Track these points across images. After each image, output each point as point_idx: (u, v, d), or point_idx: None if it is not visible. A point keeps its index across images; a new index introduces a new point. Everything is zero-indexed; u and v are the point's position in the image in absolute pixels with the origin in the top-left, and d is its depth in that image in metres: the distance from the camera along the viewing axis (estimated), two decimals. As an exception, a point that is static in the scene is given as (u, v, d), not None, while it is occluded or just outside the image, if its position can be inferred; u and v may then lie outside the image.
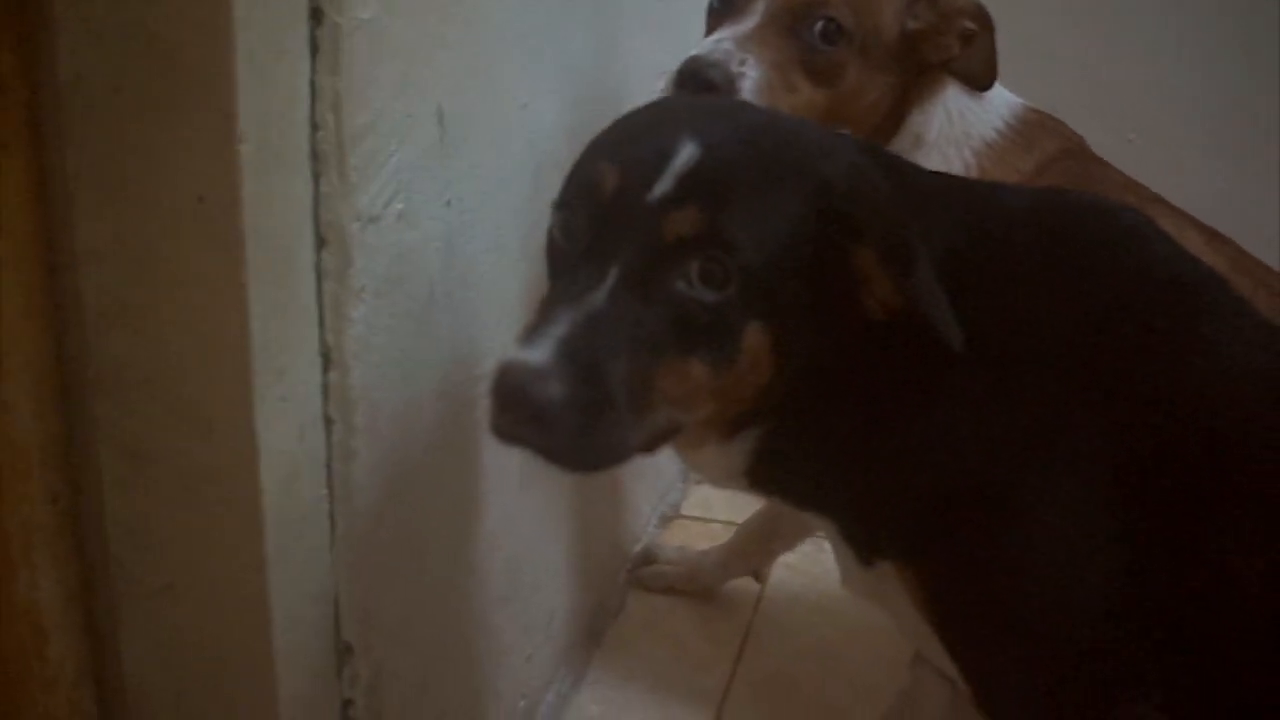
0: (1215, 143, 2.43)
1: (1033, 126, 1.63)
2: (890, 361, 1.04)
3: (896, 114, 1.57)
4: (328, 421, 1.06)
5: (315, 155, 0.99)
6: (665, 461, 1.92)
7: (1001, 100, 1.63)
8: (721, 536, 1.93)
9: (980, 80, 1.59)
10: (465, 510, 1.35)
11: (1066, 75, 2.26)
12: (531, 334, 0.92)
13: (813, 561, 1.92)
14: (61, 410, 1.00)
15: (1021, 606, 1.04)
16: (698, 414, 1.00)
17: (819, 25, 1.46)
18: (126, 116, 0.92)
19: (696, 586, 1.91)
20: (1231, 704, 1.05)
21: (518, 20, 1.33)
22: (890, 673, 1.57)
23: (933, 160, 1.55)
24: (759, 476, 1.12)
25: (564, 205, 1.02)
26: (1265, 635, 1.02)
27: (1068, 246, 1.09)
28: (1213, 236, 1.59)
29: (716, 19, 1.51)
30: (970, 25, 1.54)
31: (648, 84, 1.43)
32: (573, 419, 0.90)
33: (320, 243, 1.02)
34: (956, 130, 1.59)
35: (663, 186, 0.96)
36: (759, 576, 1.94)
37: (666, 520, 2.11)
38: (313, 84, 0.98)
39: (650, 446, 0.99)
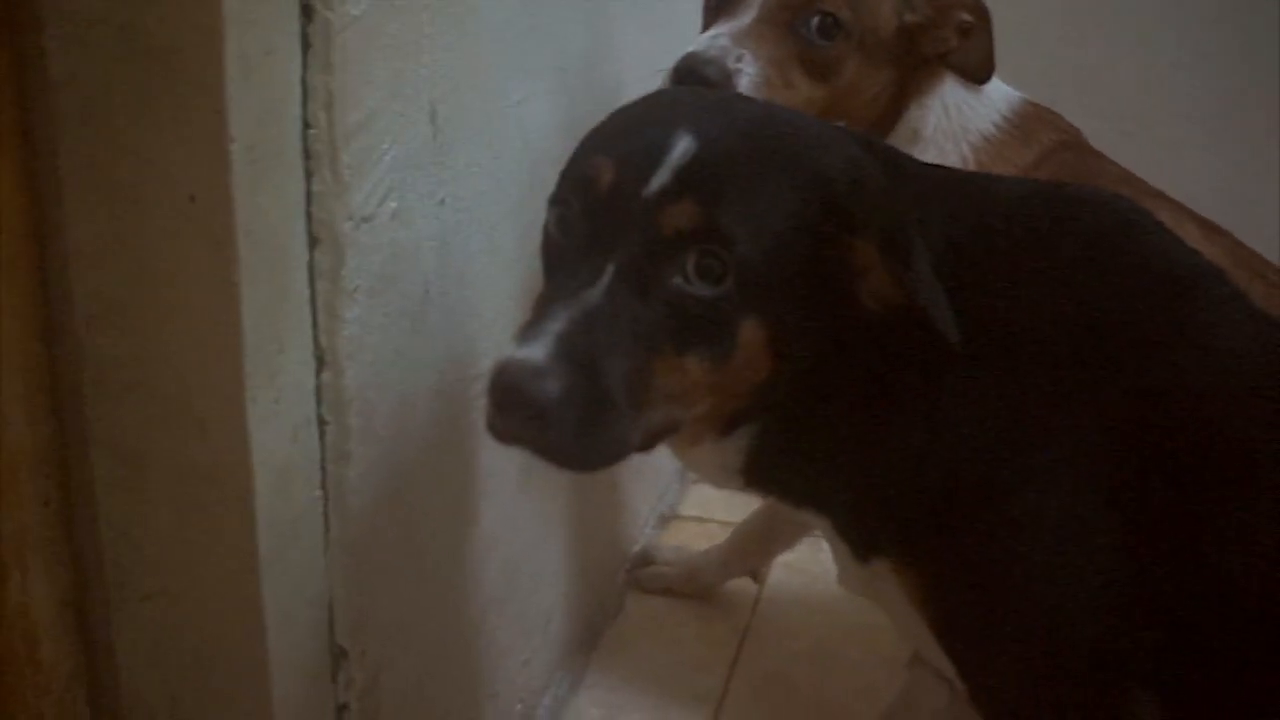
0: (1213, 135, 2.43)
1: (1030, 119, 1.63)
2: (887, 356, 1.04)
3: (894, 108, 1.57)
4: (321, 422, 1.06)
5: (307, 154, 0.99)
6: (663, 461, 1.91)
7: (999, 93, 1.63)
8: (719, 537, 1.92)
9: (978, 73, 1.59)
10: (461, 512, 1.35)
11: (1064, 68, 2.27)
12: (528, 332, 0.92)
13: (811, 561, 1.92)
14: (53, 412, 0.99)
15: (1018, 604, 1.04)
16: (695, 410, 1.00)
17: (816, 20, 1.46)
18: (118, 116, 0.91)
19: (694, 587, 1.90)
20: (1230, 703, 1.04)
21: (512, 17, 1.32)
22: (888, 673, 1.57)
23: (930, 154, 1.55)
24: (755, 474, 1.12)
25: (559, 201, 1.01)
26: (1264, 632, 1.02)
27: (1066, 239, 1.09)
28: (1210, 229, 1.59)
29: (713, 15, 1.50)
30: (967, 18, 1.54)
31: (643, 80, 1.42)
32: (571, 417, 0.89)
33: (313, 242, 1.01)
34: (954, 124, 1.58)
35: (659, 180, 0.95)
36: (757, 577, 1.93)
37: (664, 521, 2.11)
38: (304, 82, 0.97)
39: (648, 444, 0.99)
